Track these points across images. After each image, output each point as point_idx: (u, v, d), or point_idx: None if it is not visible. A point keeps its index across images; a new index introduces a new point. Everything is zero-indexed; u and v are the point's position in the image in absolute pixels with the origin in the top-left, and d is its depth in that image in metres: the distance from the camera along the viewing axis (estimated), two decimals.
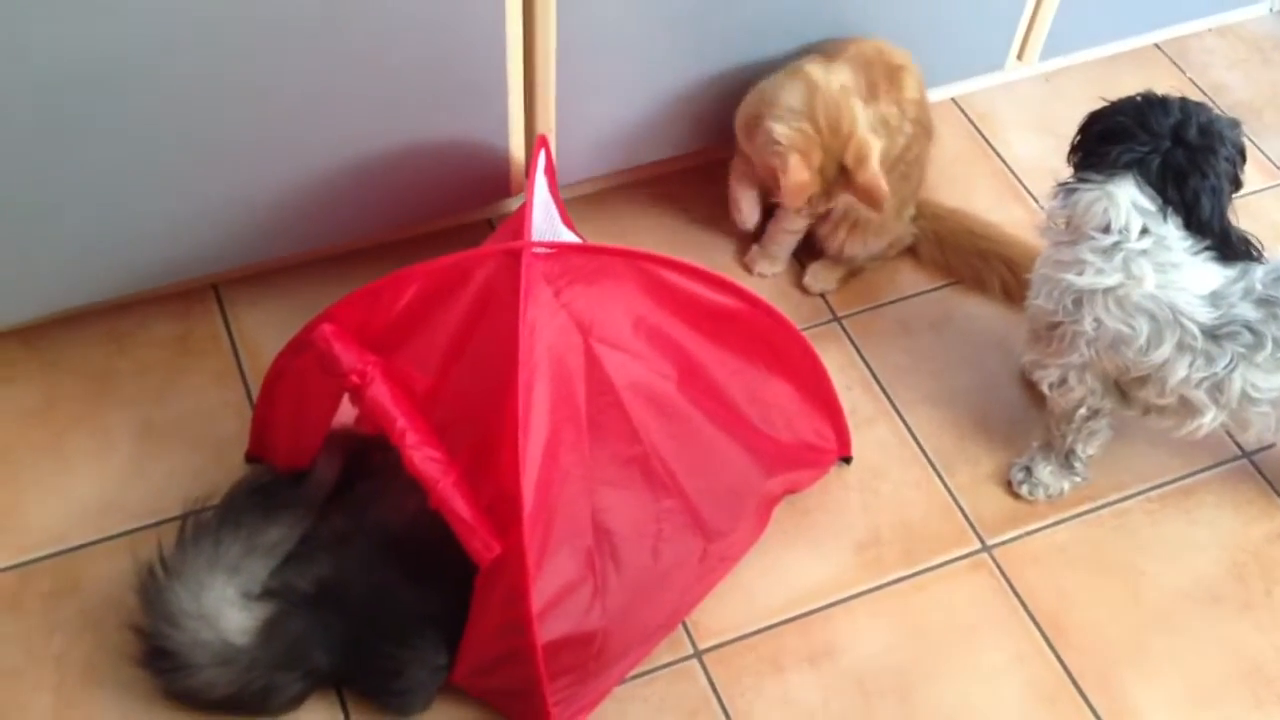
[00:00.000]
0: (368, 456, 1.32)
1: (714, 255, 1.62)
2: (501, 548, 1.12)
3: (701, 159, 1.70)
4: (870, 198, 1.34)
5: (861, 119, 1.37)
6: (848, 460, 1.42)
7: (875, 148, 1.36)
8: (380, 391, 1.17)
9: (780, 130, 1.34)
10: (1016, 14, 1.72)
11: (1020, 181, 1.74)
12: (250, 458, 1.39)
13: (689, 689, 1.28)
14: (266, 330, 1.51)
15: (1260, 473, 1.47)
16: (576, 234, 1.39)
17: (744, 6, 1.50)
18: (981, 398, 1.51)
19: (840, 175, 1.35)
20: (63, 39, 1.19)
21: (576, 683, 1.20)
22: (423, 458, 1.14)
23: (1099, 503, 1.44)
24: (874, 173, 1.34)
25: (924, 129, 1.56)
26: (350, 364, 1.18)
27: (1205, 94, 1.86)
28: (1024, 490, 1.42)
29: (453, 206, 1.55)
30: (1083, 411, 1.35)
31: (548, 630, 1.14)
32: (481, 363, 1.14)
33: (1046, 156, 1.77)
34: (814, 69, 1.37)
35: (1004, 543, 1.40)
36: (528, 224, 1.18)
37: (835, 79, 1.36)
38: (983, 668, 1.31)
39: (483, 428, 1.13)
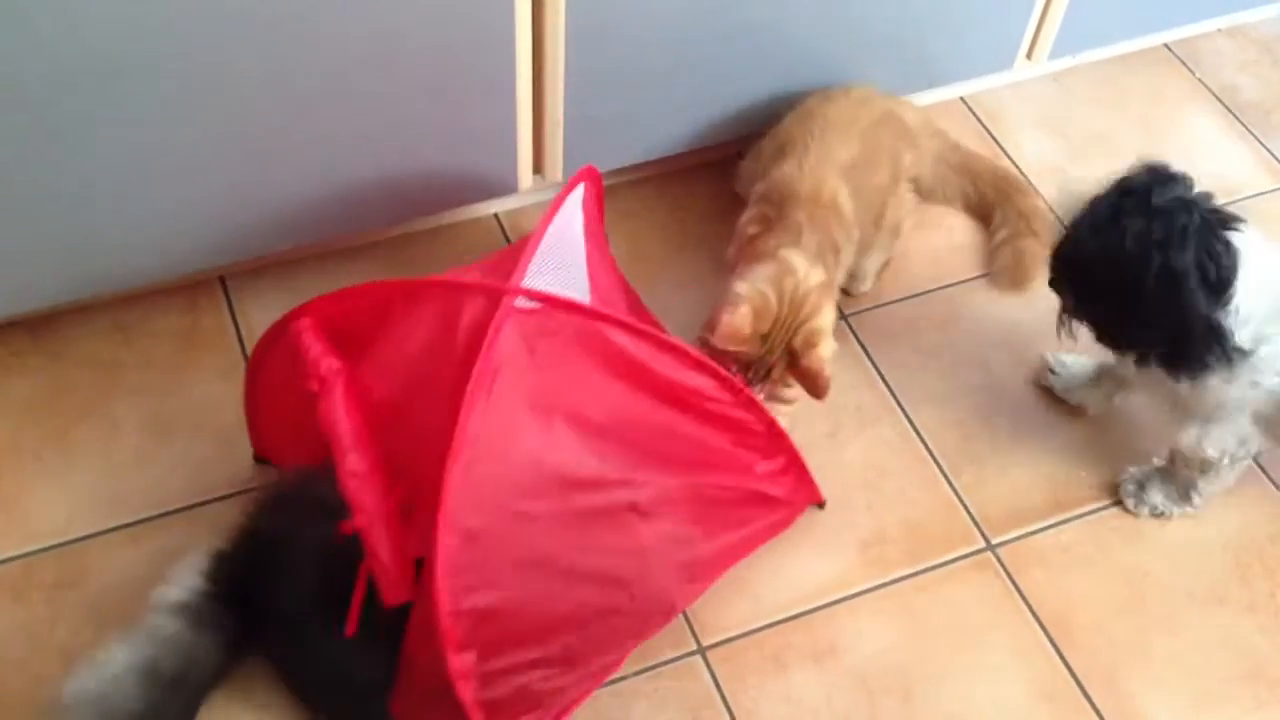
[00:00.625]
0: None
1: (717, 250, 1.61)
2: (409, 596, 1.09)
3: (708, 156, 1.70)
4: (811, 383, 1.32)
5: (828, 315, 1.35)
6: (820, 505, 1.39)
7: (828, 343, 1.33)
8: (333, 403, 1.14)
9: (742, 285, 1.32)
10: (1026, 13, 1.71)
11: (1029, 180, 1.73)
12: (260, 458, 1.38)
13: (692, 686, 1.28)
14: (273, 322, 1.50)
15: (1266, 474, 1.46)
16: (613, 276, 1.37)
17: (754, 2, 1.50)
18: (987, 397, 1.51)
19: (787, 355, 1.33)
20: (70, 30, 1.19)
21: (532, 713, 1.18)
22: (356, 484, 1.10)
23: (1104, 502, 1.43)
24: (819, 361, 1.31)
25: (950, 165, 1.61)
26: (314, 364, 1.16)
27: (1215, 95, 1.86)
28: (1130, 504, 1.41)
29: (459, 200, 1.55)
30: (1225, 461, 1.34)
31: (492, 689, 1.11)
32: (438, 401, 1.09)
33: (1055, 156, 1.76)
34: (797, 258, 1.36)
35: (1008, 542, 1.40)
36: (520, 270, 1.12)
37: (815, 275, 1.35)
38: (986, 667, 1.30)
39: (426, 466, 1.08)
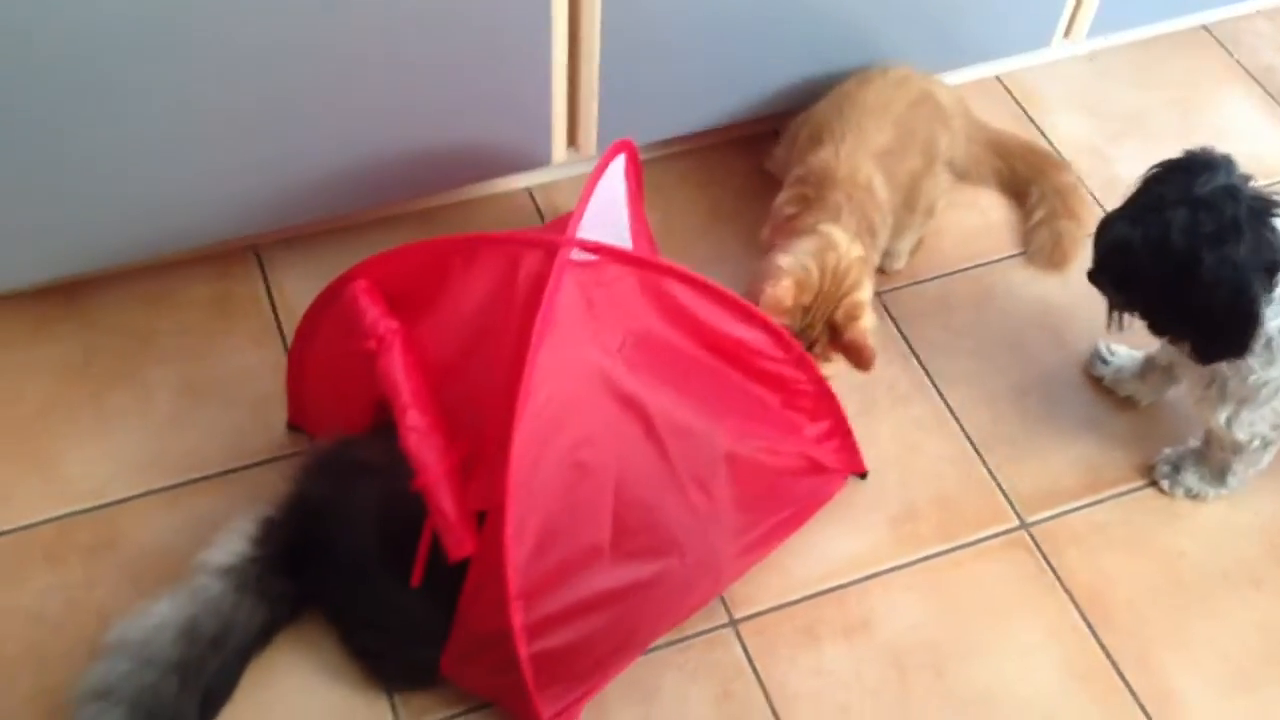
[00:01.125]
0: None
1: (750, 226, 1.61)
2: (474, 548, 1.09)
3: (742, 132, 1.69)
4: (856, 356, 1.32)
5: (869, 289, 1.36)
6: (863, 475, 1.40)
7: (868, 316, 1.34)
8: (392, 361, 1.15)
9: (785, 258, 1.33)
10: None
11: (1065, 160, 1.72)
12: (293, 425, 1.39)
13: (723, 657, 1.27)
14: (306, 292, 1.47)
15: None
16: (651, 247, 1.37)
17: None
18: (1021, 376, 1.50)
19: (828, 330, 1.34)
20: None
21: (572, 686, 1.19)
22: (417, 440, 1.11)
23: (1138, 484, 1.42)
24: (862, 333, 1.32)
25: (981, 145, 1.61)
26: (371, 325, 1.16)
27: (1253, 77, 1.84)
28: (1165, 485, 1.40)
29: (492, 172, 1.55)
30: (1256, 444, 1.33)
31: (540, 643, 1.12)
32: (499, 354, 1.10)
33: (1091, 136, 1.75)
34: (838, 233, 1.37)
35: (1042, 521, 1.39)
36: (574, 223, 1.14)
37: (855, 249, 1.36)
38: (1019, 645, 1.30)
39: (488, 423, 1.10)
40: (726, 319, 1.19)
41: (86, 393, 1.41)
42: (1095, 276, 1.30)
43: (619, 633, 1.19)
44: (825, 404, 1.29)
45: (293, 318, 1.48)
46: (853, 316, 1.32)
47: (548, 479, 1.08)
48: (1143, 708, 1.26)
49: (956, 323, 1.55)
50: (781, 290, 1.29)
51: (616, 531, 1.14)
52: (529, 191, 1.64)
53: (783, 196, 1.47)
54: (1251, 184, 1.23)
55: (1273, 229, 1.20)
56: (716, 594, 1.30)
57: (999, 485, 1.42)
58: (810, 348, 1.32)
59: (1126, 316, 1.30)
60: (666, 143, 1.67)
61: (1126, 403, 1.48)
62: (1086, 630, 1.31)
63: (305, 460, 1.28)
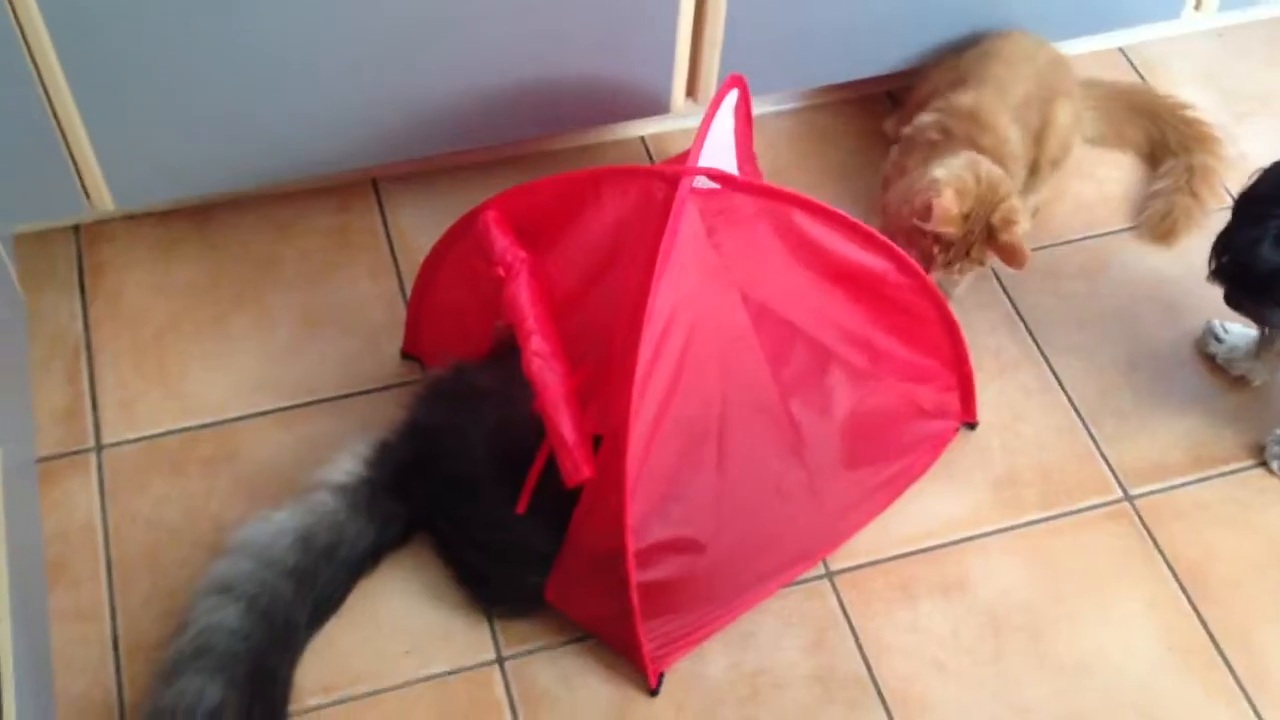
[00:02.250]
0: None
1: (859, 186, 1.60)
2: (592, 473, 1.11)
3: (857, 92, 1.69)
4: (1011, 256, 1.37)
5: (1018, 201, 1.40)
6: (972, 426, 1.40)
7: (1025, 218, 1.39)
8: (518, 288, 1.18)
9: (941, 171, 1.38)
10: None
11: None
12: (406, 354, 1.42)
13: (819, 607, 1.28)
14: (421, 228, 1.54)
15: None
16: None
17: None
18: (1131, 349, 1.48)
19: (985, 233, 1.37)
20: None
21: (674, 622, 1.21)
22: (539, 364, 1.14)
23: (1248, 463, 1.40)
24: (1018, 236, 1.36)
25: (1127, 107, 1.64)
26: (501, 254, 1.19)
27: None
28: (1275, 466, 1.39)
29: (610, 116, 1.56)
30: None
31: (647, 572, 1.14)
32: (621, 284, 1.13)
33: (1215, 112, 1.71)
34: (984, 159, 1.41)
35: (1146, 495, 1.38)
36: (694, 154, 1.16)
37: (997, 171, 1.41)
38: (1117, 615, 1.29)
39: (610, 350, 1.13)
40: (850, 246, 1.20)
41: (210, 314, 1.46)
42: (1218, 277, 1.31)
43: (723, 572, 1.20)
44: (950, 339, 1.30)
45: (408, 252, 1.52)
46: (1009, 220, 1.36)
47: (666, 403, 1.10)
48: (1241, 685, 1.25)
49: (1067, 292, 1.53)
50: (949, 200, 1.34)
51: (724, 462, 1.15)
52: (643, 140, 1.65)
53: (926, 118, 1.49)
54: None
55: None
56: (828, 549, 1.30)
57: (1104, 456, 1.40)
58: (967, 253, 1.37)
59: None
60: (779, 98, 1.67)
61: (1238, 381, 1.46)
62: (1187, 605, 1.30)
63: (420, 387, 1.32)
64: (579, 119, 1.54)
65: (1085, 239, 1.58)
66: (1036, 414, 1.43)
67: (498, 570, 1.24)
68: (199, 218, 1.53)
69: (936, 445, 1.37)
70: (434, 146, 1.51)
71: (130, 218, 1.52)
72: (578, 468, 1.11)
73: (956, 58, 1.56)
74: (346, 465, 1.25)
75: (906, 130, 1.50)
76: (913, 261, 1.24)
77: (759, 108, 1.65)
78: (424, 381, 1.32)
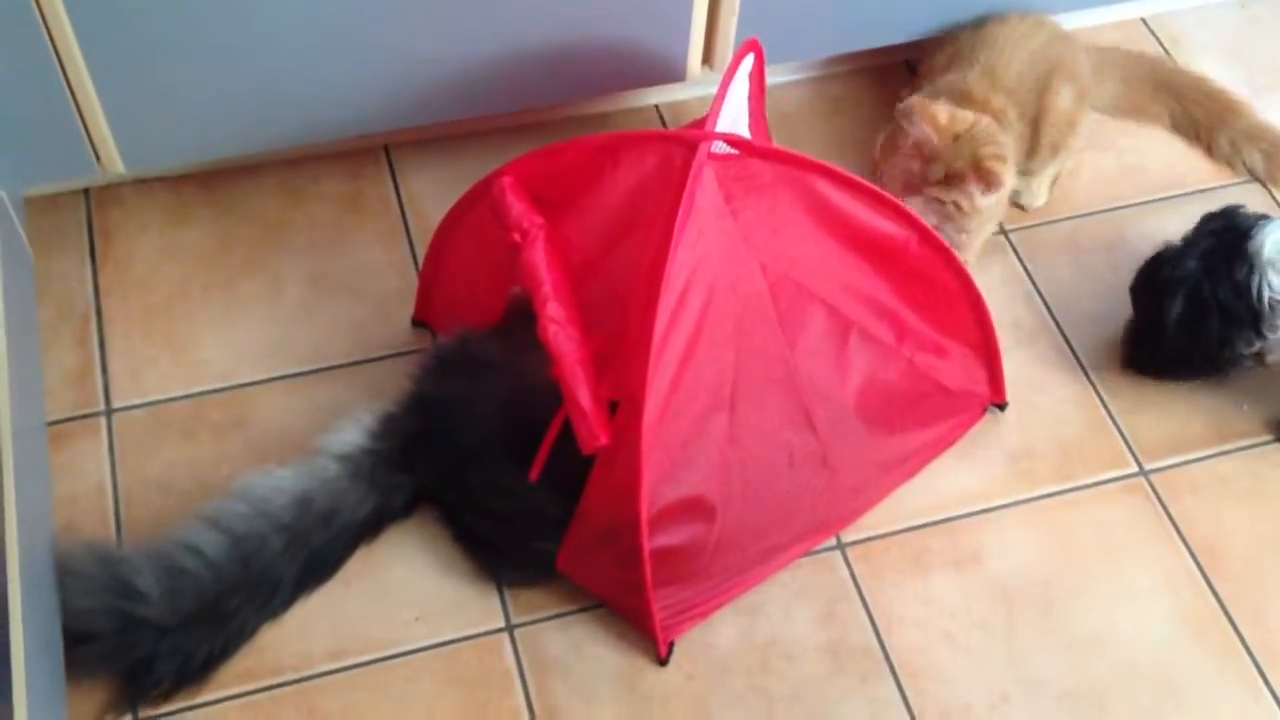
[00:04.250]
0: None
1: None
2: (608, 440, 1.10)
3: (873, 61, 1.67)
4: (985, 179, 1.35)
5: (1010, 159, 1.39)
6: (1002, 407, 1.38)
7: (1012, 170, 1.39)
8: (535, 254, 1.17)
9: (946, 103, 1.39)
10: None
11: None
12: (417, 321, 1.41)
13: (830, 578, 1.28)
14: (433, 195, 1.53)
15: None
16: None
17: None
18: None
19: (971, 161, 1.36)
20: None
21: (685, 591, 1.20)
22: (555, 330, 1.13)
23: (1266, 438, 1.39)
24: (1000, 169, 1.35)
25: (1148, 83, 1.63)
26: (517, 219, 1.18)
27: None
28: None
29: (624, 83, 1.54)
30: None
31: (659, 538, 1.13)
32: (638, 250, 1.12)
33: (1238, 86, 1.69)
34: (986, 118, 1.41)
35: (1163, 469, 1.36)
36: (712, 119, 1.14)
37: (1000, 132, 1.40)
38: (1131, 590, 1.28)
39: (626, 317, 1.12)
40: (872, 214, 1.18)
41: (220, 278, 1.45)
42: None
43: (734, 542, 1.20)
44: (975, 316, 1.29)
45: (419, 218, 1.51)
46: (998, 157, 1.35)
47: (680, 372, 1.09)
48: (1255, 661, 1.24)
49: (1086, 265, 1.52)
50: (937, 106, 1.34)
51: (736, 432, 1.14)
52: (658, 109, 1.63)
53: (914, 99, 1.45)
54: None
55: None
56: (841, 524, 1.29)
57: (1120, 430, 1.39)
58: (943, 172, 1.35)
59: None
60: (792, 68, 1.65)
61: (1256, 357, 1.44)
62: (1202, 580, 1.29)
63: (425, 358, 1.31)
64: (593, 86, 1.53)
65: (1105, 211, 1.57)
66: (1053, 386, 1.42)
67: (509, 537, 1.24)
68: (209, 182, 1.52)
69: (962, 424, 1.35)
70: (447, 113, 1.50)
71: (140, 182, 1.51)
72: (594, 434, 1.10)
73: (954, 37, 1.53)
74: (348, 435, 1.24)
75: (900, 107, 1.47)
76: (936, 233, 1.22)
77: (774, 77, 1.64)
78: (430, 352, 1.31)
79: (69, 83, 1.31)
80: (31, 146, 1.36)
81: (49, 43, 1.27)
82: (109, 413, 1.35)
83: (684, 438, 1.12)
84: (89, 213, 1.50)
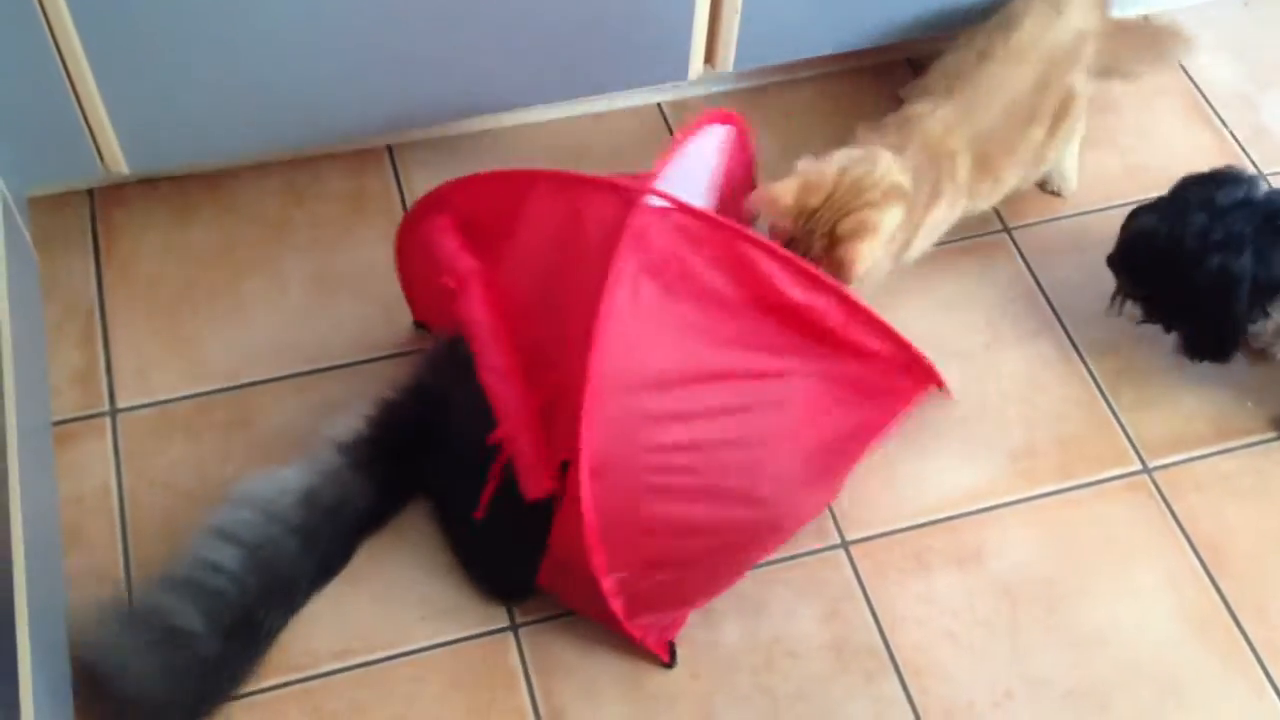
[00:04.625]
0: None
1: None
2: (551, 487, 1.10)
3: (874, 59, 1.67)
4: (837, 269, 1.24)
5: (889, 216, 1.27)
6: (941, 388, 1.32)
7: (875, 241, 1.26)
8: (471, 301, 1.16)
9: (805, 161, 1.28)
10: None
11: (1211, 106, 1.67)
12: (418, 323, 1.41)
13: (833, 577, 1.28)
14: None
15: None
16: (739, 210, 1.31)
17: None
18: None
19: (828, 235, 1.26)
20: None
21: (660, 616, 1.20)
22: (496, 381, 1.13)
23: (1269, 435, 1.39)
24: (856, 253, 1.24)
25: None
26: (450, 262, 1.17)
27: None
28: None
29: (627, 81, 1.54)
30: None
31: (628, 585, 1.13)
32: (574, 299, 1.10)
33: (1240, 82, 1.69)
34: (885, 157, 1.31)
35: (1166, 466, 1.37)
36: (656, 171, 1.13)
37: (894, 176, 1.29)
38: (1134, 587, 1.28)
39: (566, 367, 1.09)
40: (791, 283, 1.15)
41: (224, 278, 1.45)
42: (1113, 261, 1.40)
43: (705, 570, 1.20)
44: (875, 331, 1.23)
45: None
46: (856, 233, 1.24)
47: (624, 427, 1.08)
48: (1259, 658, 1.24)
49: (1089, 263, 1.51)
50: (781, 187, 1.24)
51: (690, 473, 1.12)
52: (660, 107, 1.63)
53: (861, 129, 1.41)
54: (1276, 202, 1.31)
55: None
56: (799, 527, 1.27)
57: (1123, 427, 1.39)
58: (805, 252, 1.26)
59: (1129, 303, 1.39)
60: (793, 66, 1.65)
61: (1260, 355, 1.44)
62: (1205, 578, 1.29)
63: (427, 352, 1.31)
64: (595, 85, 1.53)
65: (1107, 209, 1.57)
66: (1055, 384, 1.42)
67: (484, 553, 1.24)
68: (213, 182, 1.53)
69: (901, 402, 1.30)
70: (449, 113, 1.50)
71: (144, 181, 1.52)
72: (537, 484, 1.10)
73: (939, 64, 1.48)
74: (350, 423, 1.25)
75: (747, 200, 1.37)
76: (850, 295, 1.18)
77: (774, 76, 1.65)
78: (431, 346, 1.32)
79: (73, 83, 1.31)
80: (36, 146, 1.36)
81: (52, 43, 1.27)
82: (114, 412, 1.35)
83: (641, 493, 1.11)
84: (93, 213, 1.50)
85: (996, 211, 1.55)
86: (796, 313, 1.17)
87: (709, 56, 1.53)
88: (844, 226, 1.25)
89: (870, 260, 1.26)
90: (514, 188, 1.17)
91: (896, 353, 1.24)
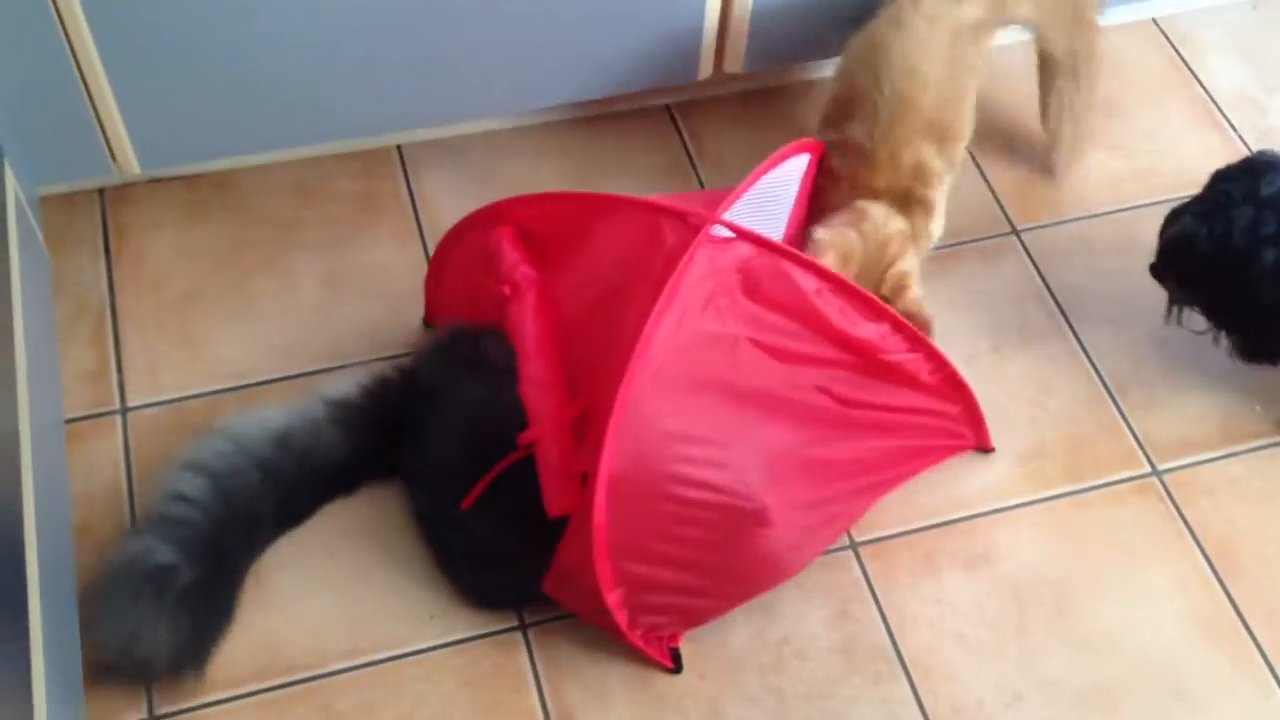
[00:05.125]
0: None
1: None
2: (572, 508, 1.10)
3: None
4: (911, 320, 1.25)
5: (911, 261, 1.30)
6: (989, 452, 1.35)
7: (916, 286, 1.30)
8: (523, 310, 1.17)
9: (822, 231, 1.28)
10: None
11: (1220, 109, 1.67)
12: (428, 323, 1.41)
13: (842, 578, 1.28)
14: (446, 194, 1.53)
15: None
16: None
17: None
18: (1161, 323, 1.45)
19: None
20: None
21: (669, 625, 1.20)
22: (535, 392, 1.13)
23: (1278, 438, 1.39)
24: (914, 303, 1.28)
25: None
26: (508, 272, 1.18)
27: None
28: None
29: (636, 82, 1.54)
30: None
31: (634, 597, 1.13)
32: (625, 318, 1.10)
33: (1248, 85, 1.70)
34: (873, 207, 1.31)
35: (1175, 469, 1.37)
36: (727, 202, 1.13)
37: (894, 222, 1.31)
38: (1144, 590, 1.29)
39: (605, 383, 1.09)
40: (853, 315, 1.16)
41: (234, 277, 1.46)
42: (1156, 270, 1.35)
43: (711, 594, 1.20)
44: (954, 389, 1.28)
45: (432, 218, 1.51)
46: (901, 288, 1.28)
47: (650, 451, 1.08)
48: (1268, 662, 1.24)
49: (1098, 266, 1.52)
50: (826, 264, 1.23)
51: (708, 505, 1.12)
52: (669, 109, 1.64)
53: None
54: None
55: None
56: (809, 561, 1.27)
57: (1132, 430, 1.39)
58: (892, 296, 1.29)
59: (1186, 311, 1.34)
60: (808, 68, 1.65)
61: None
62: (1215, 581, 1.29)
63: (425, 343, 1.33)
64: (606, 86, 1.53)
65: (1117, 212, 1.57)
66: (1064, 387, 1.42)
67: (467, 563, 1.23)
68: (223, 182, 1.53)
69: (936, 457, 1.34)
70: (459, 113, 1.51)
71: (155, 181, 1.52)
72: (559, 501, 1.10)
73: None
74: (342, 386, 1.27)
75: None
76: (908, 324, 1.20)
77: (787, 78, 1.65)
78: (429, 339, 1.32)
79: (85, 82, 1.31)
80: (47, 146, 1.37)
81: (65, 42, 1.27)
82: (124, 411, 1.35)
83: (658, 519, 1.11)
84: (104, 212, 1.50)
85: (1005, 213, 1.56)
86: (852, 346, 1.18)
87: (719, 61, 1.54)
88: (885, 289, 1.29)
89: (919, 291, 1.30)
90: (579, 208, 1.18)
91: (964, 411, 1.28)
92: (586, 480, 1.09)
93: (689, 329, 1.09)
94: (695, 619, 1.22)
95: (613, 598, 1.12)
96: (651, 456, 1.09)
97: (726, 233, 1.11)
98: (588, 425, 1.11)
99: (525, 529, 1.16)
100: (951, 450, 1.34)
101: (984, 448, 1.36)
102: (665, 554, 1.13)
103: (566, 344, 1.16)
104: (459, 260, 1.31)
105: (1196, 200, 1.31)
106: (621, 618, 1.14)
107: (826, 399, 1.19)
